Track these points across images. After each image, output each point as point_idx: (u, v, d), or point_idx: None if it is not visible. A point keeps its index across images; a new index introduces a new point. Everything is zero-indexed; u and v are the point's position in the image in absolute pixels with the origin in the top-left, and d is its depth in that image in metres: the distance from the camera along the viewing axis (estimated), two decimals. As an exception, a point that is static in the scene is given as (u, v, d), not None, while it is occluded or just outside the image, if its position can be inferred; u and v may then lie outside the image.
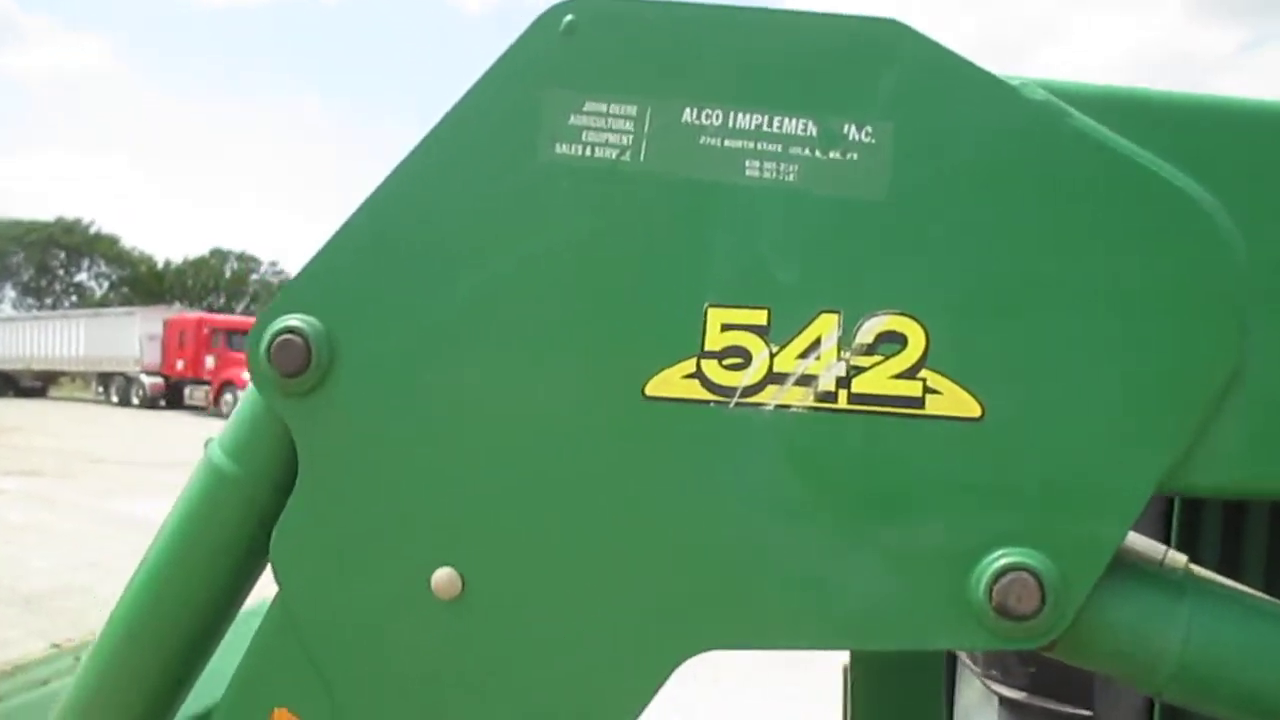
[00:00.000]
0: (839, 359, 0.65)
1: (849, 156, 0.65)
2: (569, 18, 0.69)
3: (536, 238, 0.69)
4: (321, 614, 0.73)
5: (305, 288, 0.72)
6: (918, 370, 0.64)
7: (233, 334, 26.74)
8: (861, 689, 1.05)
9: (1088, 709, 0.96)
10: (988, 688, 1.03)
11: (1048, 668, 0.99)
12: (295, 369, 0.71)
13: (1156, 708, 0.92)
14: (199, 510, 0.78)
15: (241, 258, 63.42)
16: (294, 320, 0.71)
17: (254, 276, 65.17)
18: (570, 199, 0.68)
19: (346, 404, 0.71)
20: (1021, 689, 1.00)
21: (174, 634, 0.80)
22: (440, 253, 0.70)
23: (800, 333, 0.65)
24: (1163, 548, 0.69)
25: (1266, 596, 0.67)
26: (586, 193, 0.68)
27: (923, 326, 0.64)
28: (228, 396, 25.41)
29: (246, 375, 0.76)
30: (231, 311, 50.90)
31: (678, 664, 0.68)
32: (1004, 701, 1.01)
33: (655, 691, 0.69)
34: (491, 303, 0.69)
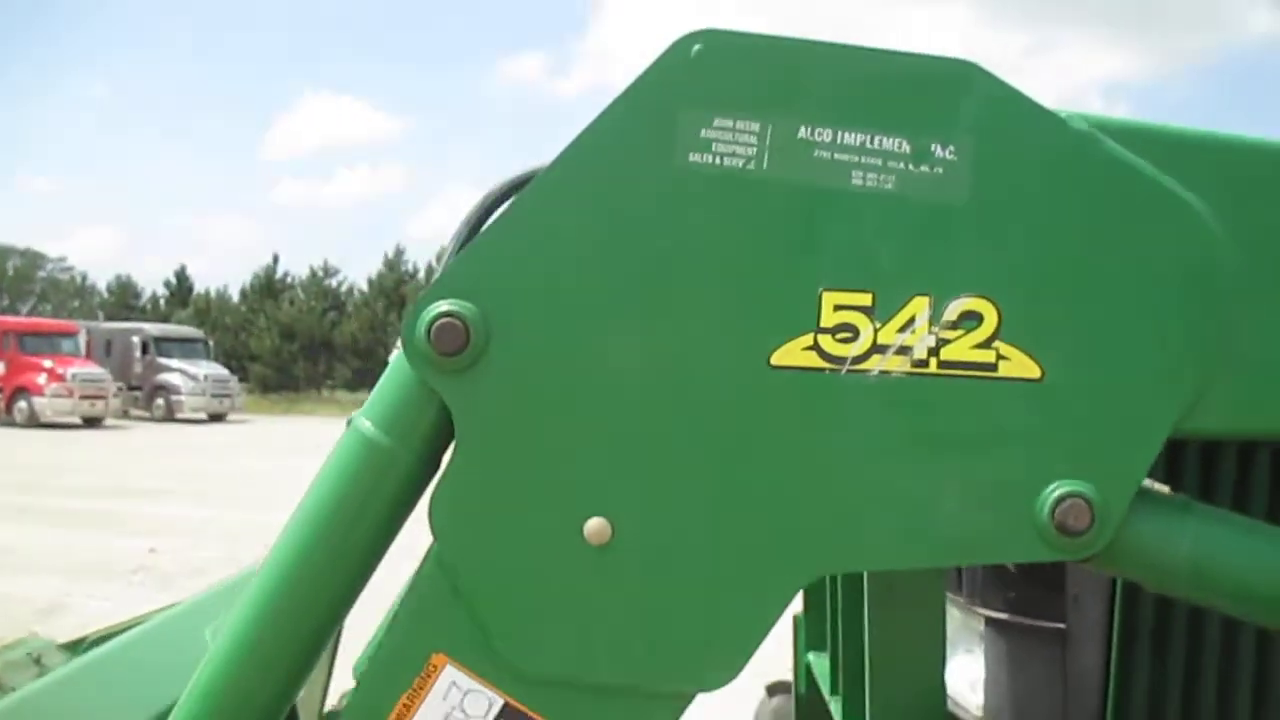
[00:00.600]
0: (930, 333, 0.81)
1: (936, 170, 0.81)
2: (698, 47, 0.81)
3: (675, 232, 0.81)
4: (480, 567, 0.82)
5: (461, 275, 0.82)
6: (992, 341, 0.80)
7: (25, 336, 24.94)
8: (875, 628, 1.21)
9: (1060, 623, 1.16)
10: (974, 613, 1.21)
11: (1025, 590, 1.18)
12: (454, 349, 0.80)
13: (1116, 620, 1.12)
14: (355, 481, 0.86)
15: (25, 254, 59.14)
16: (452, 305, 0.81)
17: (40, 274, 60.87)
18: (703, 200, 0.81)
19: (501, 378, 0.81)
20: (1004, 610, 1.19)
21: (321, 605, 0.87)
22: (587, 244, 0.81)
23: (899, 312, 0.80)
24: (1158, 484, 0.88)
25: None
26: (717, 195, 0.81)
27: (996, 306, 0.80)
28: (21, 404, 23.69)
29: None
30: (16, 312, 47.42)
31: (801, 587, 0.83)
32: (989, 623, 1.19)
33: (782, 613, 0.82)
34: (635, 288, 0.81)
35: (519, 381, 0.82)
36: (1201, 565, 0.82)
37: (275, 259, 44.01)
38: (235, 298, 43.64)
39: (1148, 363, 0.81)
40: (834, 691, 1.54)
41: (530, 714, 0.83)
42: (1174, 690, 1.14)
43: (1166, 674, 1.13)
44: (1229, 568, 0.83)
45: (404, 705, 0.84)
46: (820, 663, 1.69)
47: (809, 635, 1.79)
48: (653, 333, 0.81)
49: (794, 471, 0.81)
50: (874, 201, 0.81)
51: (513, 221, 0.83)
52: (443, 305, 0.81)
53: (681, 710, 0.84)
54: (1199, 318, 0.81)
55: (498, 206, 0.91)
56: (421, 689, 0.84)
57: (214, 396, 27.31)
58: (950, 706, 1.23)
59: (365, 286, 41.42)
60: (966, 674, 1.23)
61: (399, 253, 42.69)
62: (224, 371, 28.91)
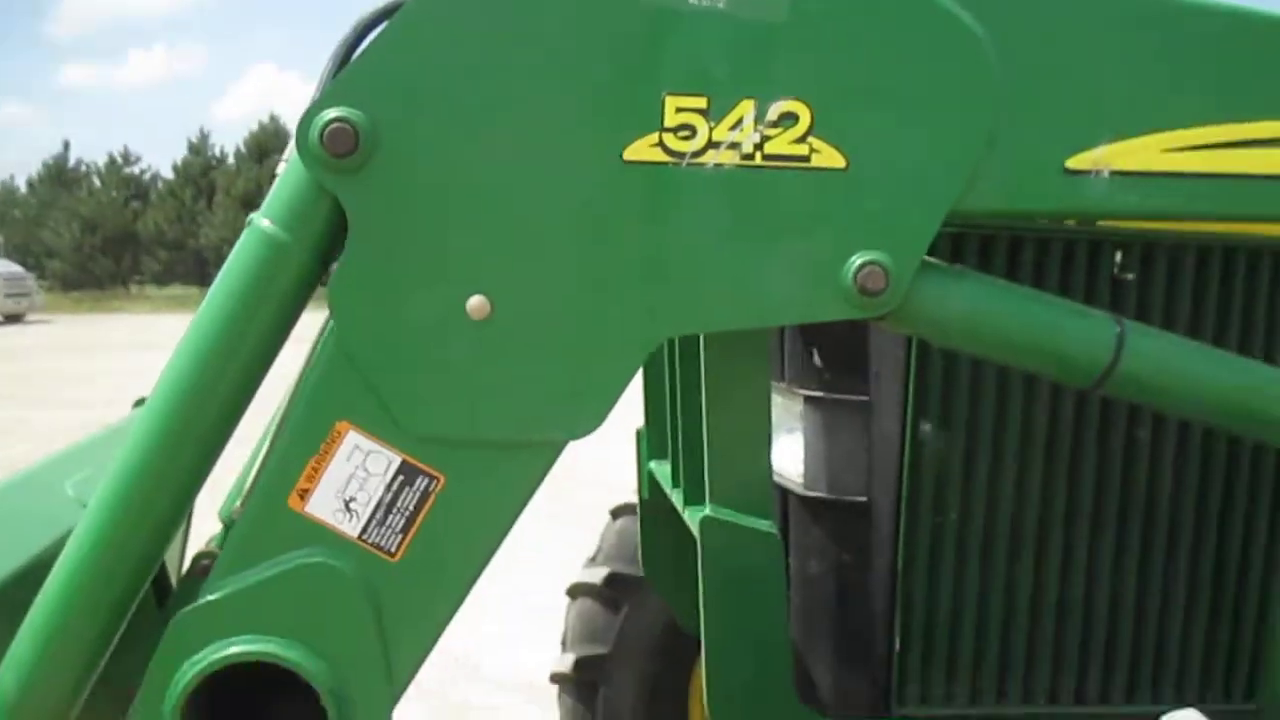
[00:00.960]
0: (755, 131, 0.95)
1: None
2: None
3: (541, 46, 0.93)
4: (376, 342, 0.94)
5: (350, 85, 0.91)
6: (806, 137, 0.96)
7: None
8: (711, 418, 1.38)
9: (865, 396, 1.36)
10: (794, 395, 1.40)
11: (835, 371, 1.38)
12: (344, 151, 0.90)
13: (910, 392, 1.34)
14: (254, 275, 0.95)
15: None
16: (342, 111, 0.90)
17: None
18: (563, 18, 0.93)
19: (389, 176, 0.92)
20: (819, 389, 1.39)
21: (225, 392, 0.97)
22: (463, 58, 0.92)
23: (729, 113, 0.95)
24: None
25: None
26: (575, 14, 0.93)
27: (810, 108, 0.96)
28: None
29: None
30: None
31: (652, 348, 0.98)
32: (807, 401, 1.39)
33: (636, 370, 0.98)
34: (507, 95, 0.93)
35: (405, 178, 0.92)
36: (972, 320, 1.02)
37: (66, 145, 40.94)
38: (22, 189, 40.48)
39: (931, 154, 0.98)
40: (675, 485, 1.74)
41: (423, 467, 0.96)
42: (956, 450, 1.37)
43: (951, 437, 1.37)
44: (994, 322, 1.03)
45: (312, 469, 0.96)
46: (661, 468, 1.89)
47: (650, 447, 1.98)
48: (522, 134, 0.93)
49: (645, 250, 0.96)
50: (708, 18, 0.94)
51: (394, 40, 0.92)
52: (334, 112, 0.90)
53: (554, 458, 1.00)
54: (973, 119, 0.99)
55: (369, 33, 0.99)
56: (327, 453, 0.96)
57: (8, 296, 25.44)
58: (776, 479, 1.43)
59: (170, 174, 39.08)
60: (789, 450, 1.43)
61: (204, 137, 40.34)
62: (18, 268, 26.86)
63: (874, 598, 1.39)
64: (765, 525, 1.35)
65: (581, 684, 2.53)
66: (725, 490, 1.39)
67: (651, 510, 2.00)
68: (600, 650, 2.49)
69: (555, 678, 2.58)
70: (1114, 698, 1.45)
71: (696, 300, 0.97)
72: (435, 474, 0.96)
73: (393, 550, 0.97)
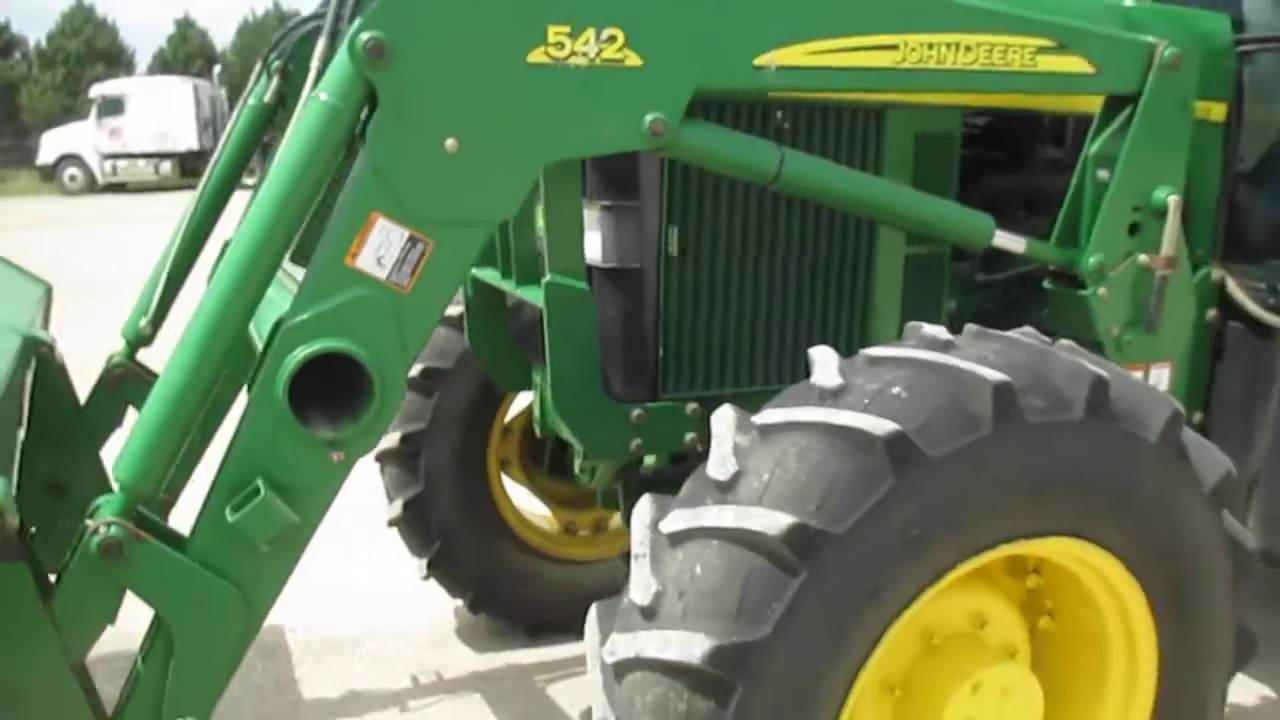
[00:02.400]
0: (595, 45, 1.73)
1: None
2: None
3: (481, 9, 1.65)
4: (395, 162, 1.64)
5: (379, 17, 1.59)
6: (622, 49, 1.75)
7: None
8: (548, 219, 2.19)
9: (636, 202, 2.19)
10: (593, 204, 2.20)
11: (619, 188, 2.18)
12: (377, 57, 1.59)
13: (663, 196, 2.18)
14: (319, 130, 1.62)
15: None
16: (375, 32, 1.58)
17: None
18: None
19: (401, 70, 1.61)
20: (608, 199, 2.19)
21: (299, 211, 1.65)
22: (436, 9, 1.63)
23: (581, 35, 1.72)
24: None
25: None
26: None
27: (624, 32, 1.74)
28: None
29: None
30: None
31: (540, 166, 1.77)
32: (602, 208, 2.18)
33: (533, 178, 1.76)
34: (462, 30, 1.65)
35: (410, 72, 1.63)
36: (705, 148, 1.88)
37: None
38: None
39: (683, 63, 1.80)
40: (506, 276, 2.52)
41: (422, 236, 1.68)
42: (690, 229, 2.25)
43: (686, 222, 2.24)
44: (715, 148, 1.89)
45: (358, 241, 1.66)
46: (484, 272, 2.65)
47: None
48: (471, 50, 1.66)
49: (536, 108, 1.72)
50: None
51: None
52: (370, 32, 1.59)
53: (489, 232, 1.77)
54: (698, 45, 1.81)
55: None
56: (366, 231, 1.66)
57: None
58: (587, 261, 2.25)
59: None
60: (592, 240, 2.24)
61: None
62: None
63: (645, 325, 2.27)
64: (582, 285, 2.18)
65: (405, 454, 3.29)
66: (558, 267, 2.19)
67: (476, 305, 2.77)
68: (419, 426, 3.26)
69: (381, 455, 3.32)
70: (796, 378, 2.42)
71: (562, 136, 1.75)
72: (428, 240, 1.70)
73: (404, 285, 1.70)
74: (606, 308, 2.24)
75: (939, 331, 1.82)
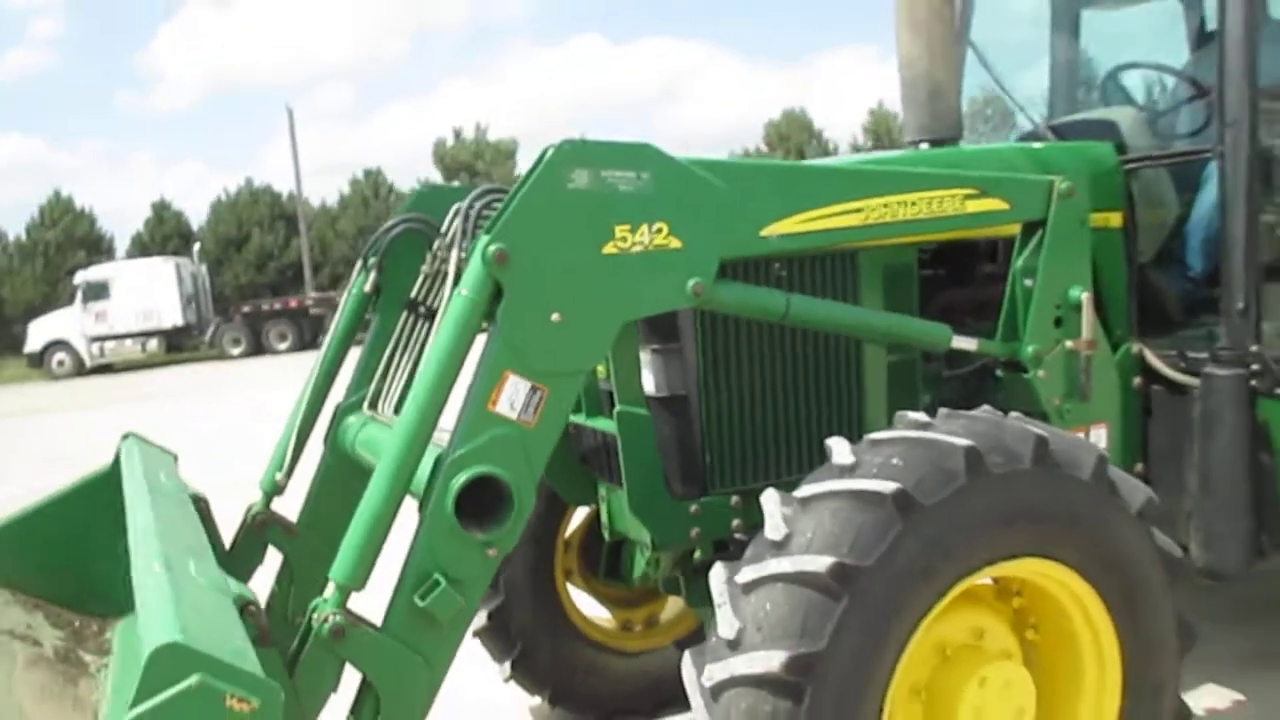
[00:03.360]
0: (649, 235, 2.43)
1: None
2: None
3: (572, 226, 2.35)
4: (518, 335, 2.29)
5: (500, 232, 2.27)
6: (668, 237, 2.45)
7: None
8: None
9: (678, 344, 2.85)
10: (646, 348, 2.86)
11: (664, 335, 2.86)
12: (501, 262, 2.26)
13: (697, 340, 2.86)
14: (462, 320, 2.27)
15: None
16: (499, 244, 2.26)
17: None
18: (573, 207, 2.36)
19: (519, 270, 2.28)
20: (657, 344, 2.86)
21: (450, 384, 2.30)
22: (547, 224, 2.32)
23: (639, 229, 2.42)
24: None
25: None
26: (575, 206, 2.37)
27: (668, 225, 2.45)
28: None
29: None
30: None
31: (619, 327, 2.45)
32: (652, 350, 2.87)
33: (612, 337, 2.44)
34: (559, 240, 2.34)
35: (525, 271, 2.30)
36: (732, 301, 2.57)
37: None
38: None
39: (713, 243, 2.50)
40: (577, 411, 3.18)
41: (540, 386, 2.31)
42: (720, 365, 2.93)
43: (717, 360, 2.92)
44: (739, 300, 2.58)
45: (496, 391, 2.29)
46: None
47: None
48: (567, 253, 2.35)
49: (612, 283, 2.40)
50: (625, 189, 2.40)
51: (519, 207, 2.29)
52: (496, 244, 2.26)
53: (583, 379, 2.42)
54: (720, 232, 2.52)
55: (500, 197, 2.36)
56: (502, 384, 2.29)
57: None
58: (646, 392, 2.91)
59: None
60: (647, 376, 2.92)
61: None
62: None
63: (693, 438, 2.92)
64: (644, 412, 2.84)
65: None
66: (625, 399, 2.85)
67: None
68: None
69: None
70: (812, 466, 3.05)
71: (631, 302, 2.43)
72: (544, 388, 2.34)
73: (530, 422, 2.33)
74: (663, 427, 2.90)
75: (921, 416, 2.47)
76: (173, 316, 33.37)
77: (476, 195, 2.62)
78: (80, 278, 33.62)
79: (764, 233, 2.59)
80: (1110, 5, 4.92)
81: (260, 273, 42.59)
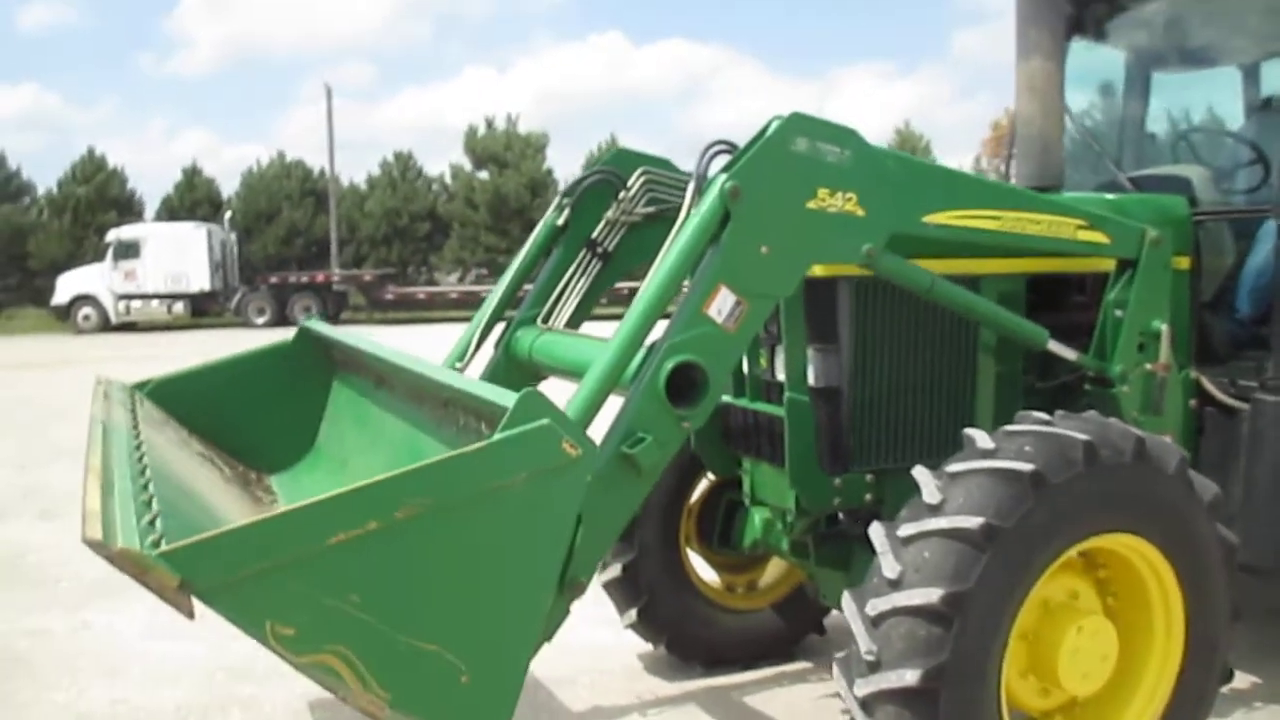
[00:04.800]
0: (739, 305, 3.08)
1: None
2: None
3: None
4: (733, 259, 2.90)
5: (738, 174, 2.91)
6: (739, 300, 3.09)
7: None
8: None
9: (836, 344, 3.49)
10: (812, 346, 3.50)
11: (825, 335, 3.50)
12: (734, 197, 2.90)
13: (852, 339, 3.49)
14: (697, 235, 2.86)
15: None
16: (734, 181, 2.88)
17: None
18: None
19: (747, 208, 2.94)
20: (819, 343, 3.51)
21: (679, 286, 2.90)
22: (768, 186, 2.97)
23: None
24: None
25: None
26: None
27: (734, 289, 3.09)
28: None
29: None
30: None
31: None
32: (814, 349, 3.50)
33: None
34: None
35: (753, 212, 2.95)
36: (894, 271, 3.25)
37: None
38: None
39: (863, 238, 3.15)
40: (740, 395, 3.82)
41: (744, 301, 2.90)
42: (871, 361, 3.58)
43: (869, 356, 3.57)
44: (897, 270, 3.27)
45: (707, 301, 2.84)
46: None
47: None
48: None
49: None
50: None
51: (754, 157, 2.92)
52: (733, 181, 2.90)
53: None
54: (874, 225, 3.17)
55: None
56: (714, 293, 2.86)
57: None
58: (809, 384, 3.59)
59: None
60: (811, 371, 3.57)
61: None
62: None
63: (842, 423, 3.56)
64: (806, 399, 3.49)
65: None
66: (793, 389, 3.51)
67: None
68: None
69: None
70: (932, 455, 3.67)
71: (820, 250, 3.06)
72: (745, 303, 2.94)
73: (730, 328, 2.88)
74: (819, 412, 3.54)
75: (1043, 415, 3.11)
76: (200, 281, 34.04)
77: (707, 148, 3.18)
78: (113, 235, 34.30)
79: (926, 219, 3.21)
80: (1177, 69, 5.54)
81: (287, 246, 43.17)
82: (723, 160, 3.01)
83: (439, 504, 2.12)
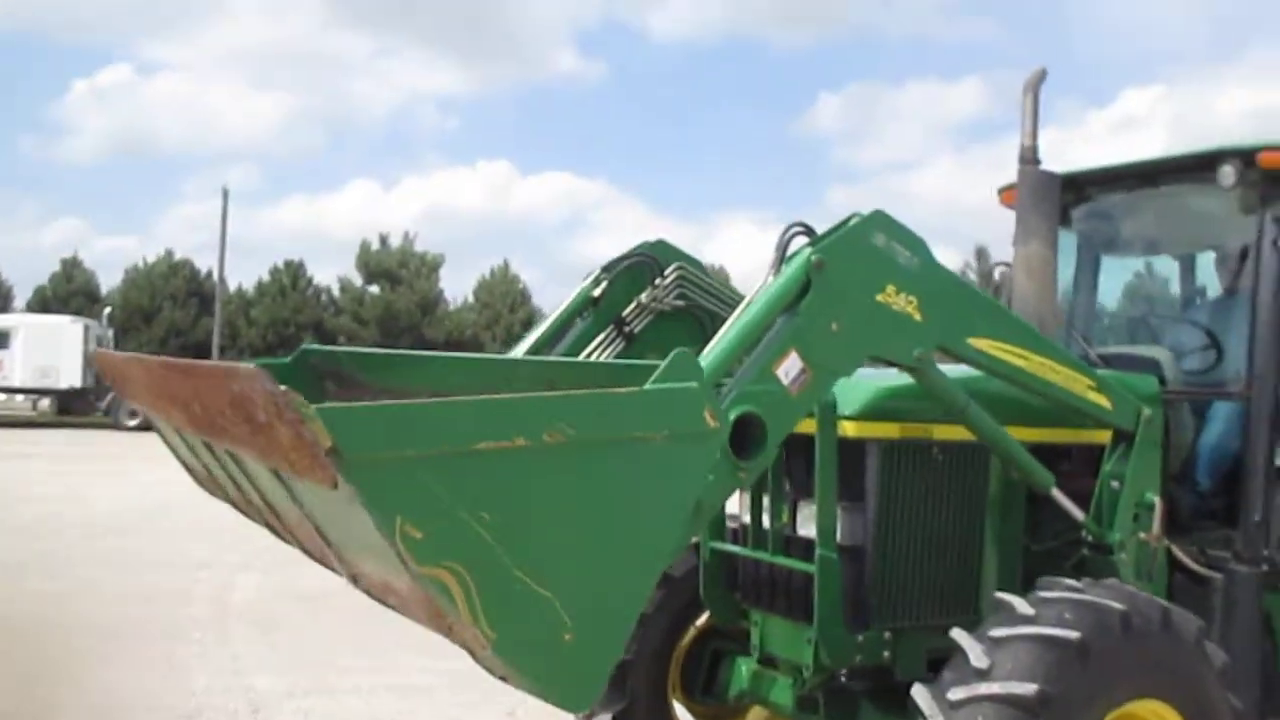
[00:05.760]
0: (801, 364, 3.22)
1: None
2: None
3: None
4: (805, 327, 2.97)
5: (822, 248, 3.01)
6: (804, 368, 3.23)
7: None
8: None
9: (863, 502, 3.60)
10: (840, 505, 3.60)
11: (852, 494, 3.61)
12: (819, 268, 2.99)
13: (876, 499, 3.60)
14: (778, 297, 2.92)
15: None
16: (819, 255, 2.99)
17: None
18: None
19: (828, 279, 3.06)
20: (847, 501, 3.60)
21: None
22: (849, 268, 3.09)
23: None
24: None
25: None
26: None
27: (803, 356, 3.23)
28: None
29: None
30: None
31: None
32: (842, 507, 3.60)
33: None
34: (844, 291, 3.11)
35: (832, 283, 3.06)
36: (937, 387, 3.47)
37: None
38: None
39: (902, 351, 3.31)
40: (759, 548, 3.88)
41: (807, 366, 2.96)
42: (894, 522, 3.70)
43: (892, 517, 3.69)
44: (939, 386, 3.37)
45: (780, 360, 2.90)
46: (719, 543, 4.02)
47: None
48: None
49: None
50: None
51: (844, 236, 3.07)
52: (819, 255, 2.99)
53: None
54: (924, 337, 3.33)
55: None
56: (784, 355, 2.92)
57: None
58: (837, 541, 3.66)
59: None
60: (840, 530, 3.66)
61: None
62: None
63: (865, 581, 3.65)
64: (835, 557, 3.57)
65: (616, 678, 4.45)
66: (824, 546, 3.58)
67: (709, 566, 4.10)
68: (629, 656, 4.44)
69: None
70: (946, 614, 3.76)
71: (881, 338, 3.14)
72: (809, 372, 2.99)
73: (792, 391, 2.93)
74: (845, 570, 3.63)
75: (1074, 583, 3.26)
76: (71, 378, 32.52)
77: (788, 228, 3.19)
78: (-21, 324, 32.63)
79: (970, 340, 3.36)
80: (1122, 255, 6.01)
81: (163, 347, 41.75)
82: (800, 241, 3.12)
83: (581, 437, 2.11)
